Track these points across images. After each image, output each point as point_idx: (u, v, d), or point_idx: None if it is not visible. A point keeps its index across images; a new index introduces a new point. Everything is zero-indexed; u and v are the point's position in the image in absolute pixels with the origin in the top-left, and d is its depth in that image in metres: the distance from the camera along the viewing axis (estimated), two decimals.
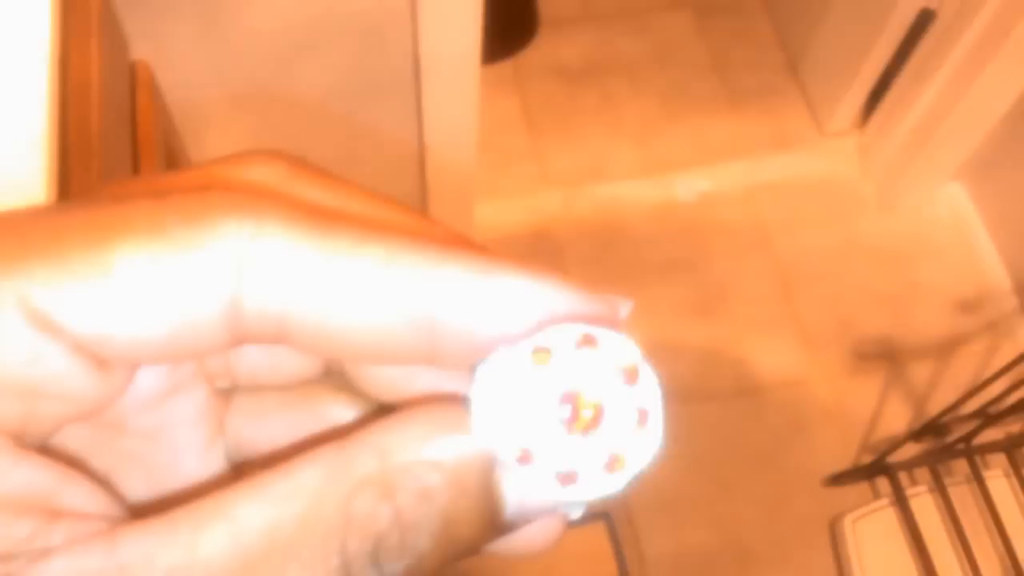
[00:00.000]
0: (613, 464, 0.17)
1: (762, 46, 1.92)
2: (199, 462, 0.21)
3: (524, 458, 0.17)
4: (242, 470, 0.22)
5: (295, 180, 0.19)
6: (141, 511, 0.18)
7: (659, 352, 1.53)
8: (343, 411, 0.22)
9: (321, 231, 0.17)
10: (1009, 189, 1.62)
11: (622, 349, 0.18)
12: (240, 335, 0.17)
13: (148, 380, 0.19)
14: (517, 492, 0.18)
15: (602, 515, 1.41)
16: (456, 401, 0.18)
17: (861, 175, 1.78)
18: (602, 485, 0.17)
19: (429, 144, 1.25)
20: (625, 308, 0.19)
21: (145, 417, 0.19)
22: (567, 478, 0.17)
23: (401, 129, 1.22)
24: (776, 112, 1.84)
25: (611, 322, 0.18)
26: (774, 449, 1.52)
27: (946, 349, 1.60)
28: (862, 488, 1.48)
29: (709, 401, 1.54)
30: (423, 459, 0.17)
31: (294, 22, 1.04)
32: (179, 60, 1.06)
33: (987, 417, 1.24)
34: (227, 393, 0.21)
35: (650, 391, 0.18)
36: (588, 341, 0.17)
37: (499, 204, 1.67)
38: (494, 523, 0.18)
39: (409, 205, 0.20)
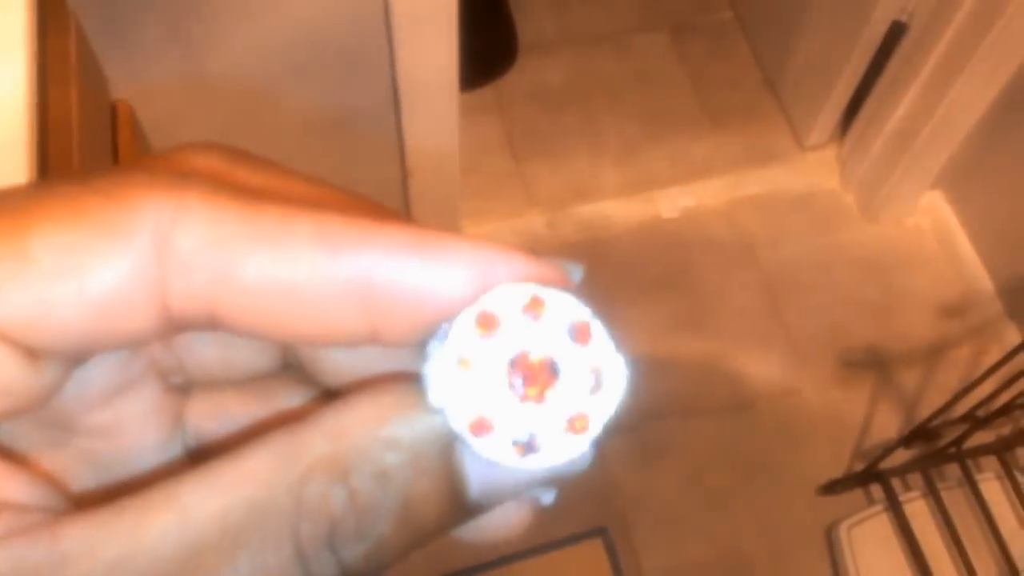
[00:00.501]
0: (573, 425, 0.17)
1: (739, 64, 1.95)
2: (157, 458, 0.20)
3: (479, 427, 0.17)
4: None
5: (235, 168, 0.18)
6: (91, 504, 0.17)
7: (650, 368, 1.54)
8: (301, 401, 0.21)
9: (246, 209, 0.16)
10: (987, 195, 1.64)
11: (571, 308, 0.17)
12: (171, 320, 0.17)
13: (97, 377, 0.19)
14: (480, 471, 0.17)
15: (599, 531, 1.42)
16: (409, 380, 0.17)
17: (842, 187, 1.80)
18: (564, 449, 0.17)
19: (412, 170, 1.27)
20: (576, 273, 0.19)
21: (97, 415, 0.19)
22: (527, 447, 0.17)
23: (383, 156, 1.23)
24: (755, 128, 1.86)
25: (561, 286, 0.18)
26: (767, 460, 1.52)
27: (933, 355, 1.61)
28: (856, 495, 1.48)
29: (701, 415, 1.55)
30: (378, 439, 0.17)
31: (272, 56, 1.05)
32: (159, 98, 1.07)
33: (976, 420, 1.25)
34: (183, 389, 0.21)
35: (604, 348, 0.17)
36: (535, 303, 0.17)
37: (485, 228, 1.69)
38: (458, 504, 0.17)
39: (353, 191, 0.19)
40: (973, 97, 1.50)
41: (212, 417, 0.21)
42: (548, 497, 0.20)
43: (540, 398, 0.17)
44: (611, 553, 1.39)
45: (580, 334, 0.17)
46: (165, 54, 1.04)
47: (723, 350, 1.62)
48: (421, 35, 1.05)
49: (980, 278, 1.66)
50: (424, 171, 1.27)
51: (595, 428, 0.17)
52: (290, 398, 0.21)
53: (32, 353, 0.16)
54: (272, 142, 1.18)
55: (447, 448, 0.17)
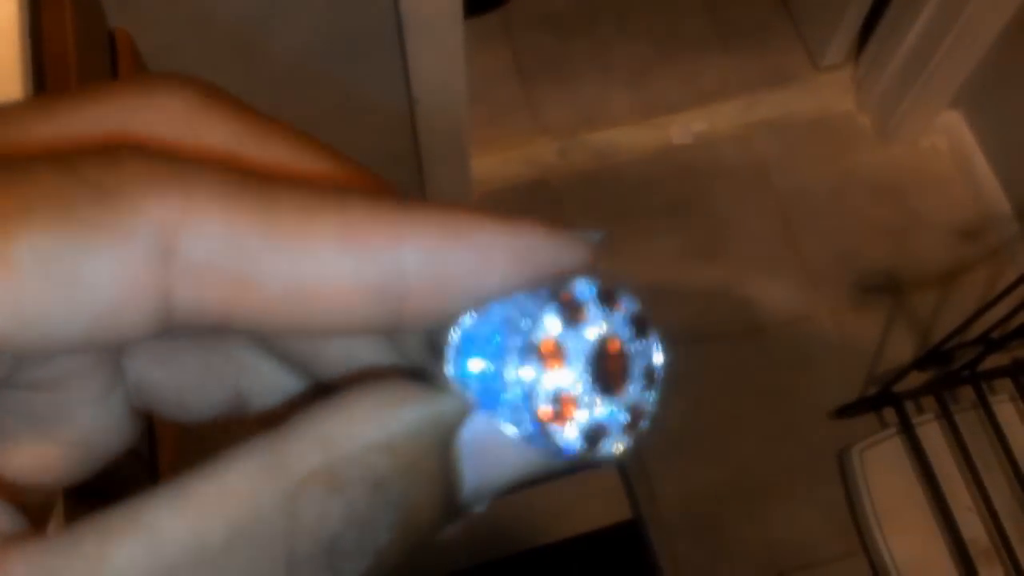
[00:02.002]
0: (636, 420, 0.17)
1: None
2: (96, 412, 0.18)
3: (559, 415, 0.16)
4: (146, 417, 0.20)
5: (208, 112, 0.17)
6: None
7: (662, 295, 1.53)
8: (261, 361, 0.20)
9: (261, 207, 0.15)
10: (1006, 114, 1.61)
11: (634, 303, 0.17)
12: (172, 325, 0.15)
13: None
14: (477, 469, 0.16)
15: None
16: (395, 375, 0.16)
17: (857, 108, 1.76)
18: (621, 443, 0.17)
19: (419, 100, 1.25)
20: (597, 238, 0.18)
21: (35, 371, 0.17)
22: (596, 435, 0.16)
23: (389, 87, 1.21)
24: (769, 49, 1.82)
25: (592, 263, 0.17)
26: (781, 385, 1.53)
27: (949, 278, 1.60)
28: (870, 419, 1.49)
29: (714, 341, 1.55)
30: (372, 443, 0.15)
31: None
32: (157, 26, 1.05)
33: (991, 343, 1.24)
34: None
35: (657, 343, 0.17)
36: (608, 295, 0.17)
37: (495, 157, 1.67)
38: (450, 506, 0.16)
39: (332, 147, 0.18)
40: (991, 11, 1.46)
41: (159, 363, 0.19)
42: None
43: (618, 390, 0.17)
44: (625, 478, 1.41)
45: (640, 328, 0.17)
46: None
47: (736, 276, 1.61)
48: None
49: (997, 199, 1.64)
50: (430, 99, 1.25)
51: (646, 423, 0.17)
52: (247, 353, 0.20)
53: (16, 356, 0.15)
54: (273, 71, 1.17)
55: (443, 448, 0.16)
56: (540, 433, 0.16)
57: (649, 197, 1.67)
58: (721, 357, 1.54)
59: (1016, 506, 1.33)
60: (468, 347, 0.16)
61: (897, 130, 1.69)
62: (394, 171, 1.40)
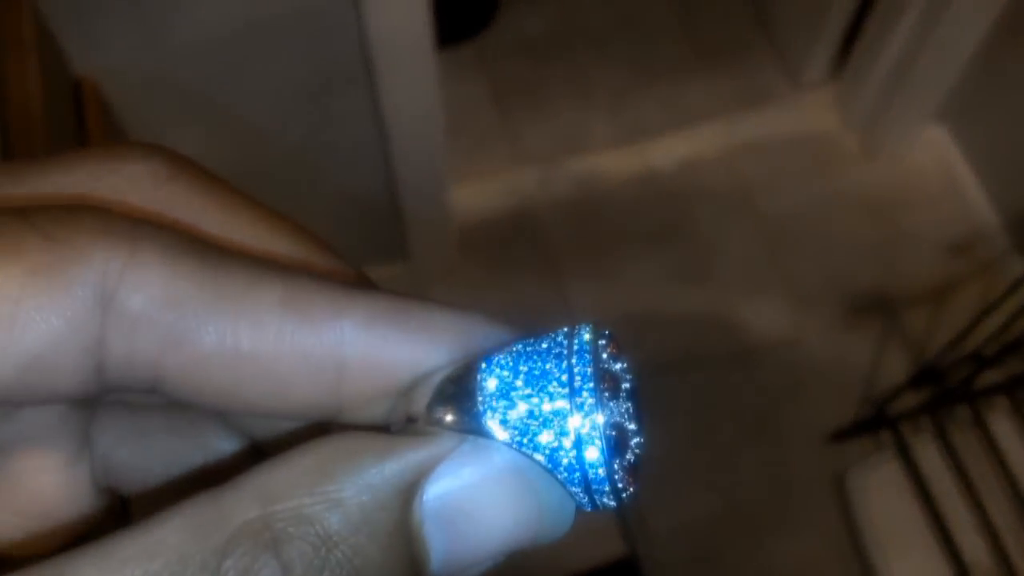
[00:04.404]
0: (634, 473, 0.17)
1: (729, 1, 1.89)
2: (58, 481, 0.18)
3: (621, 445, 0.16)
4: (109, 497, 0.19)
5: (174, 182, 0.17)
6: None
7: (649, 322, 1.51)
8: (232, 444, 0.19)
9: (207, 267, 0.15)
10: (991, 126, 1.59)
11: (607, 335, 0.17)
12: (106, 383, 0.15)
13: None
14: (445, 535, 0.15)
15: None
16: (352, 429, 0.15)
17: (841, 125, 1.75)
18: (621, 495, 0.17)
19: (393, 135, 1.22)
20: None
21: None
22: (632, 474, 0.17)
23: (360, 121, 1.19)
24: (749, 68, 1.81)
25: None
26: (773, 411, 1.50)
27: (941, 295, 1.58)
28: (866, 443, 1.46)
29: (703, 368, 1.52)
30: (320, 497, 0.14)
31: (234, 21, 1.01)
32: (123, 73, 1.03)
33: (984, 359, 1.22)
34: (91, 403, 0.18)
35: (636, 404, 0.18)
36: (615, 344, 0.17)
37: (474, 188, 1.65)
38: (419, 572, 0.15)
39: (298, 223, 0.18)
40: (970, 20, 1.45)
41: (126, 443, 0.19)
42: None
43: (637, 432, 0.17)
44: (619, 516, 1.37)
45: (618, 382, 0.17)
46: (126, 26, 1.00)
47: (724, 301, 1.59)
48: None
49: (985, 213, 1.62)
50: (405, 133, 1.23)
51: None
52: (217, 438, 0.19)
53: None
54: (242, 114, 1.15)
55: (404, 507, 0.15)
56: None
57: (633, 223, 1.65)
58: (711, 383, 1.51)
59: (1017, 526, 1.30)
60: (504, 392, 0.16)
61: (882, 146, 1.68)
62: (370, 204, 1.38)
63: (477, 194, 1.64)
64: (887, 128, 1.66)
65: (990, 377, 1.27)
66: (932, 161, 1.70)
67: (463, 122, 1.67)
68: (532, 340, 0.16)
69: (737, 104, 1.76)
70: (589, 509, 0.17)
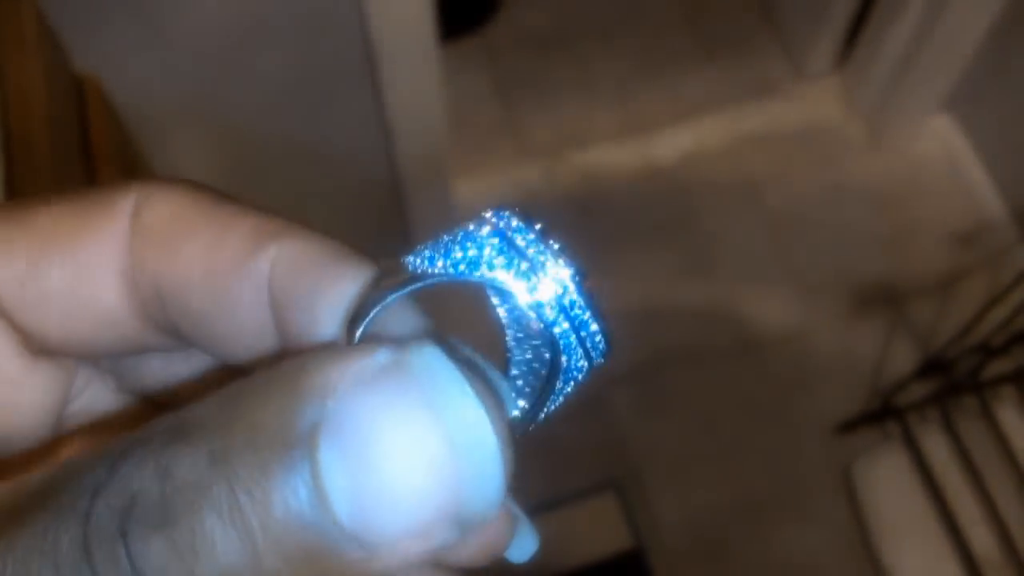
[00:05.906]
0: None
1: None
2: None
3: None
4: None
5: (196, 205, 0.19)
6: None
7: (657, 315, 1.51)
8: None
9: (213, 202, 0.18)
10: (997, 116, 1.58)
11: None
12: (145, 316, 0.18)
13: None
14: (349, 473, 0.13)
15: (610, 482, 1.39)
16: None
17: (846, 116, 1.74)
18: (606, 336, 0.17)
19: (396, 129, 1.22)
20: None
21: None
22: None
23: (364, 117, 1.19)
24: (754, 60, 1.80)
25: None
26: (781, 403, 1.49)
27: (948, 285, 1.57)
28: (873, 433, 1.45)
29: (711, 361, 1.52)
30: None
31: (235, 17, 1.01)
32: (127, 69, 1.03)
33: (989, 350, 1.21)
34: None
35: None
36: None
37: (479, 181, 1.64)
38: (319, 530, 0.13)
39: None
40: (977, 8, 1.44)
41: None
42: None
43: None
44: (625, 506, 1.37)
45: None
46: (128, 24, 1.00)
47: (731, 294, 1.58)
48: None
49: (992, 203, 1.61)
50: (408, 127, 1.23)
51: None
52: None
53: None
54: (244, 110, 1.14)
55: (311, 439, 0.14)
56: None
57: (638, 216, 1.64)
58: (719, 376, 1.51)
59: None
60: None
61: (888, 136, 1.67)
62: (374, 200, 1.38)
63: (481, 188, 1.64)
64: (893, 119, 1.65)
65: (997, 367, 1.27)
66: (938, 151, 1.69)
67: (466, 116, 1.66)
68: (448, 233, 0.17)
69: (742, 96, 1.75)
70: (566, 356, 0.17)
